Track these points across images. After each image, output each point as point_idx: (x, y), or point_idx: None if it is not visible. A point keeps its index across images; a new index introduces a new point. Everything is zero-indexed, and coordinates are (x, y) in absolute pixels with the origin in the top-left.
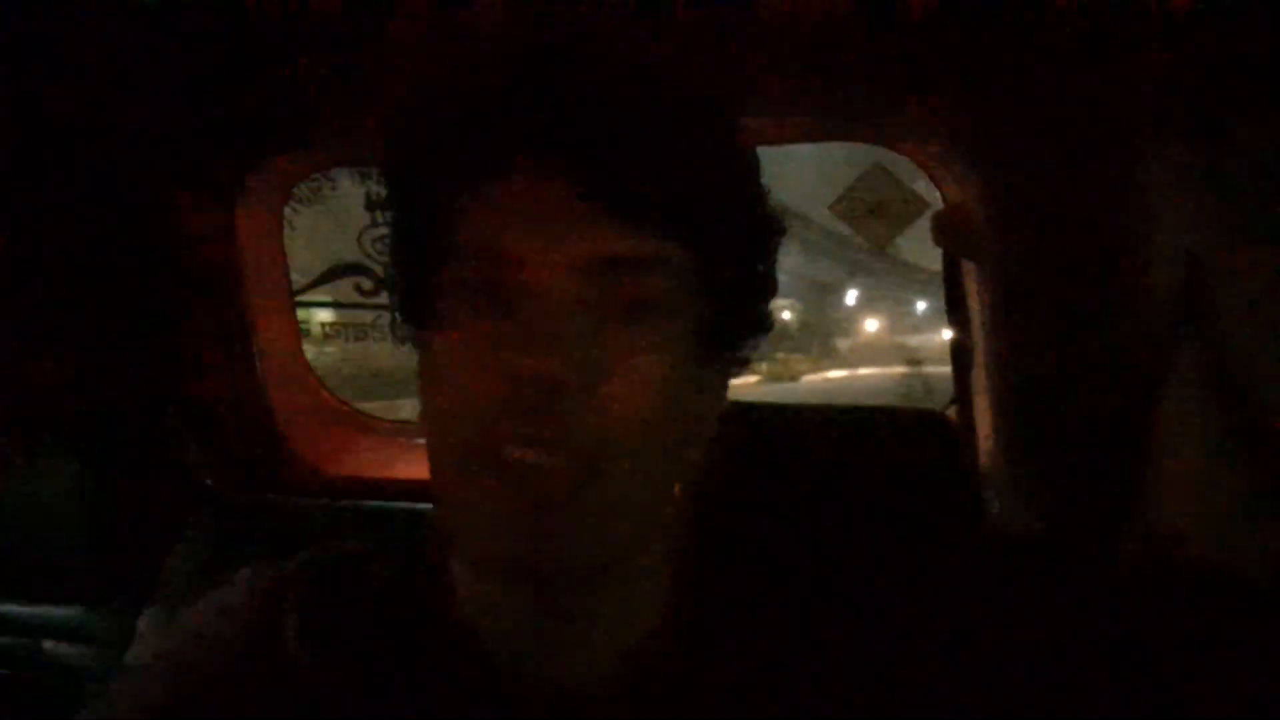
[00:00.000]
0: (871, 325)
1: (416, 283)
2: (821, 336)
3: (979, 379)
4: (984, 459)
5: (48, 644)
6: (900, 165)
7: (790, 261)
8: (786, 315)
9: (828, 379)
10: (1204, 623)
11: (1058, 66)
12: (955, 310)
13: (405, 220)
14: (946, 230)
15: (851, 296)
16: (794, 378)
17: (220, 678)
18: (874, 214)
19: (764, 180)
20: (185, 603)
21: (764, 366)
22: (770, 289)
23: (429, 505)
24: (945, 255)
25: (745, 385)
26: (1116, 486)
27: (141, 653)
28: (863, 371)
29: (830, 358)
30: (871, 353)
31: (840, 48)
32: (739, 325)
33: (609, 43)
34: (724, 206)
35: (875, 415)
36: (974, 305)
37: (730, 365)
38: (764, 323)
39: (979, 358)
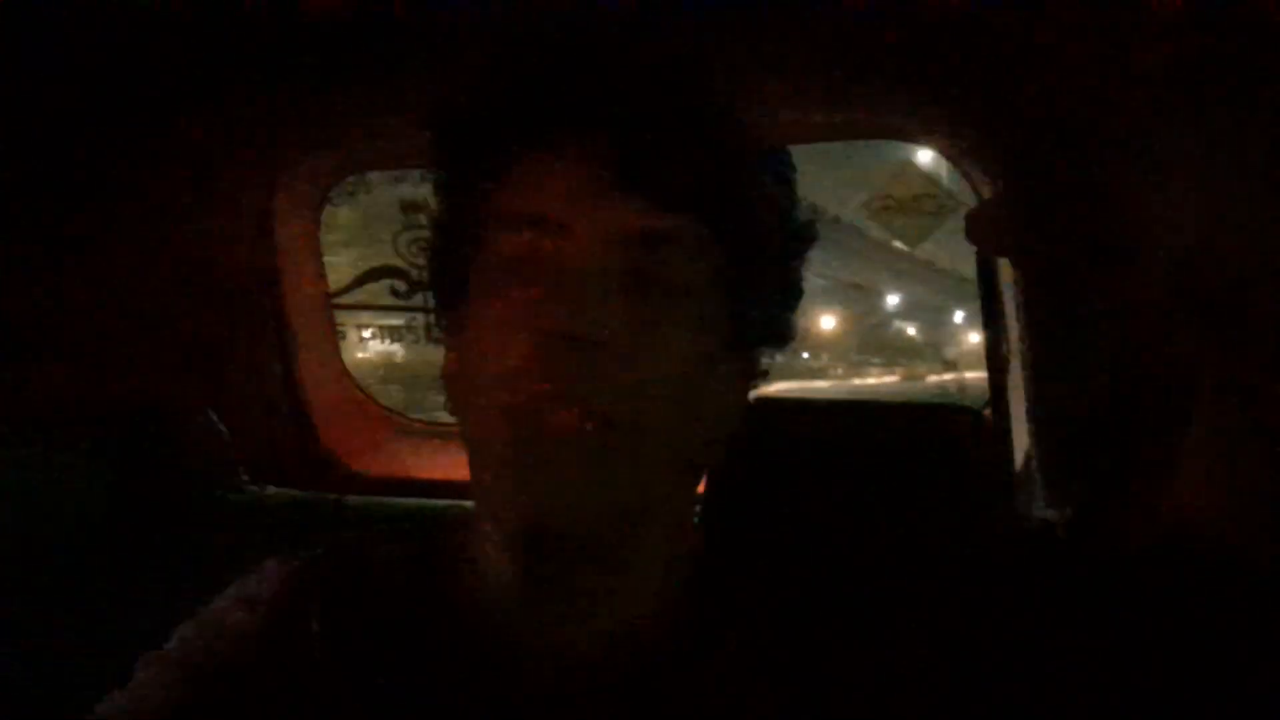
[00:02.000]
0: (974, 338)
1: (459, 257)
2: (934, 347)
3: (1014, 376)
4: (1018, 455)
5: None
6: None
7: (913, 291)
8: (911, 331)
9: (943, 379)
10: (1231, 619)
11: (1090, 57)
12: (989, 308)
13: (454, 193)
14: (980, 228)
15: (959, 316)
16: (919, 378)
17: (243, 667)
18: (905, 212)
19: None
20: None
21: (898, 370)
22: (794, 297)
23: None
24: (979, 253)
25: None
26: (1149, 483)
27: (164, 645)
28: (968, 375)
29: (942, 364)
30: (974, 359)
31: (867, 42)
32: (761, 325)
33: (648, 32)
34: (753, 196)
35: (908, 410)
36: (1008, 303)
37: (752, 369)
38: (786, 331)
39: (1013, 355)
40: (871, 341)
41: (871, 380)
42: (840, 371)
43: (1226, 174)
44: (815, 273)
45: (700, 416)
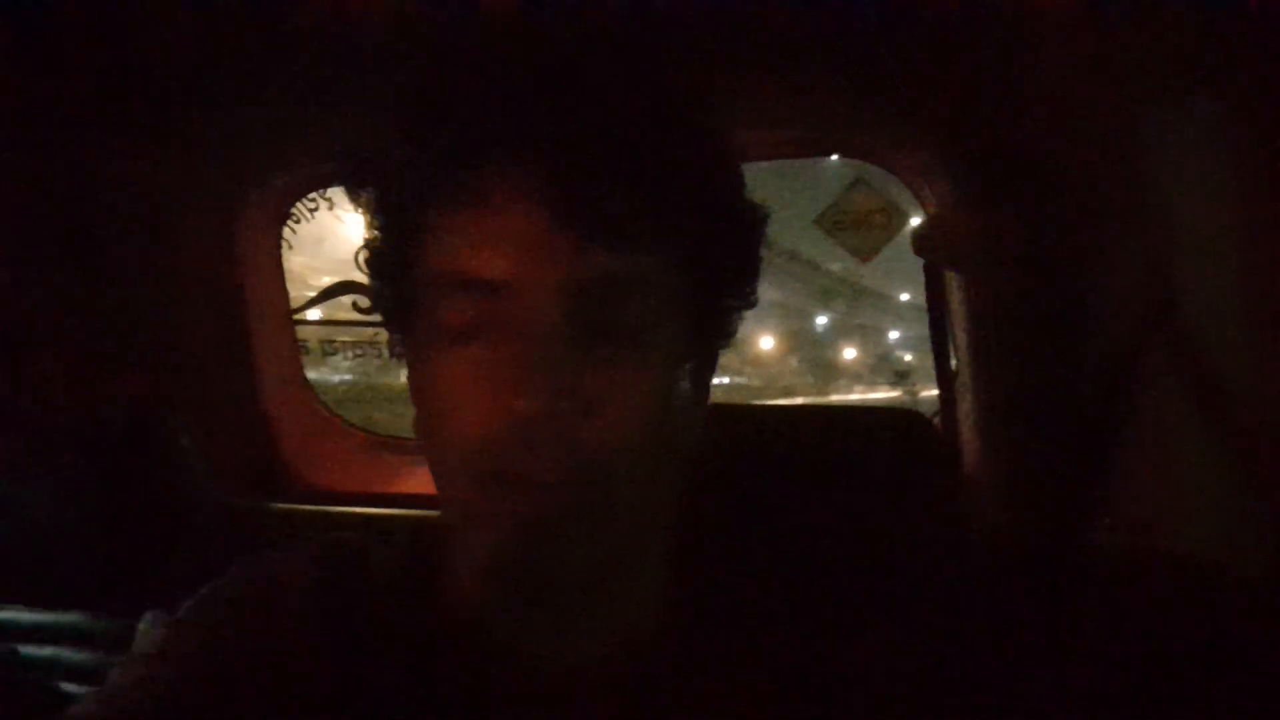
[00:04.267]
0: (909, 357)
1: (404, 313)
2: (870, 366)
3: (961, 384)
4: (966, 461)
5: (49, 649)
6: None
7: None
8: (908, 358)
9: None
10: (1178, 617)
11: (1035, 78)
12: (937, 319)
13: (388, 250)
14: (927, 241)
15: (894, 335)
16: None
17: (228, 665)
18: (856, 227)
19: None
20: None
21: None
22: (750, 301)
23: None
24: (927, 265)
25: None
26: (1091, 477)
27: (143, 650)
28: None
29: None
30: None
31: (818, 62)
32: (718, 330)
33: (583, 65)
34: (704, 221)
35: (856, 414)
36: (955, 313)
37: (708, 373)
38: (734, 329)
39: (960, 364)
40: (808, 361)
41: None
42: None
43: (1176, 189)
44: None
45: (670, 440)
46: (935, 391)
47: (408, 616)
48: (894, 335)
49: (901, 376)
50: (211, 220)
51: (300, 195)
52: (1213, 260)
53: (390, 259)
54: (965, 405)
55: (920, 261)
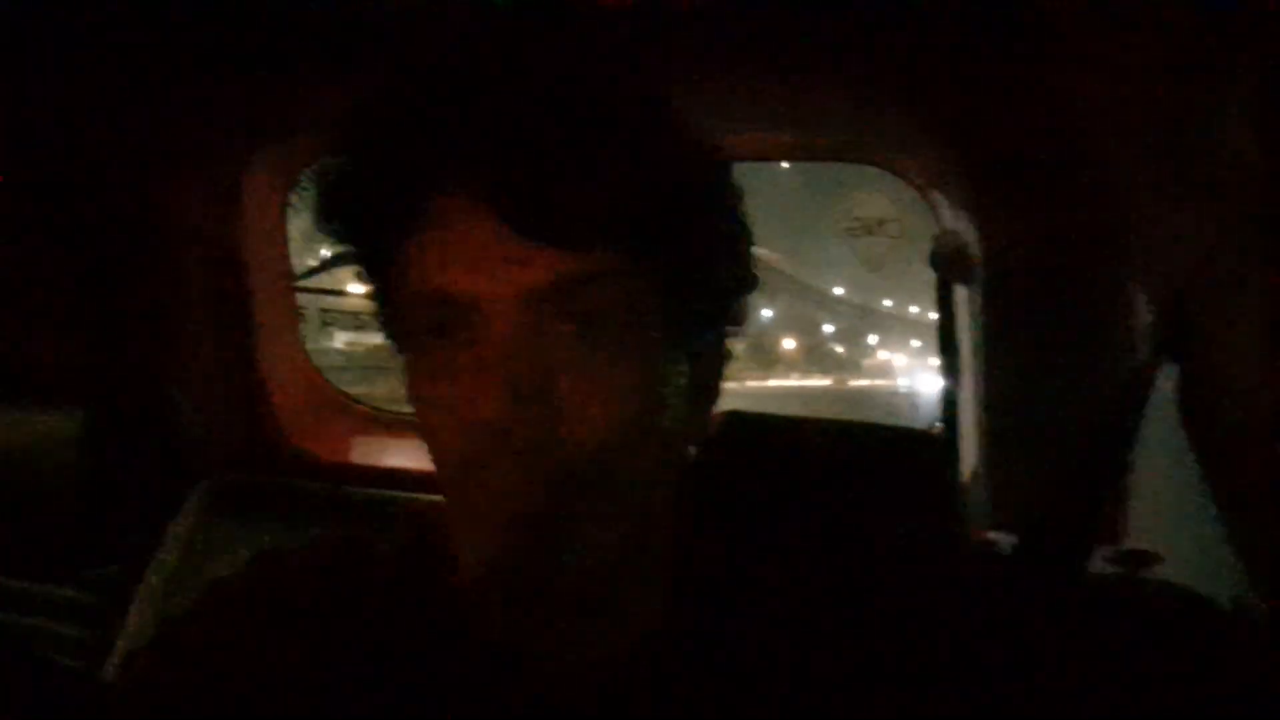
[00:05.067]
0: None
1: (384, 318)
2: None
3: (965, 396)
4: (968, 475)
5: (40, 620)
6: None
7: (787, 304)
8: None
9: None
10: (1171, 643)
11: (1050, 79)
12: (946, 333)
13: (358, 262)
14: (940, 254)
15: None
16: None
17: (223, 670)
18: (869, 234)
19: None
20: (181, 580)
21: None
22: (745, 283)
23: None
24: (939, 279)
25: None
26: (1091, 505)
27: (138, 628)
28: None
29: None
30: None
31: (821, 62)
32: (710, 319)
33: (527, 63)
34: (667, 212)
35: (868, 430)
36: (964, 328)
37: (714, 358)
38: (738, 315)
39: (966, 376)
40: (751, 349)
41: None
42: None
43: (1188, 206)
44: None
45: (660, 440)
46: (864, 382)
47: (412, 616)
48: (828, 329)
49: (835, 367)
50: (216, 185)
51: (309, 162)
52: (1231, 289)
53: (370, 278)
54: (968, 420)
55: (853, 258)
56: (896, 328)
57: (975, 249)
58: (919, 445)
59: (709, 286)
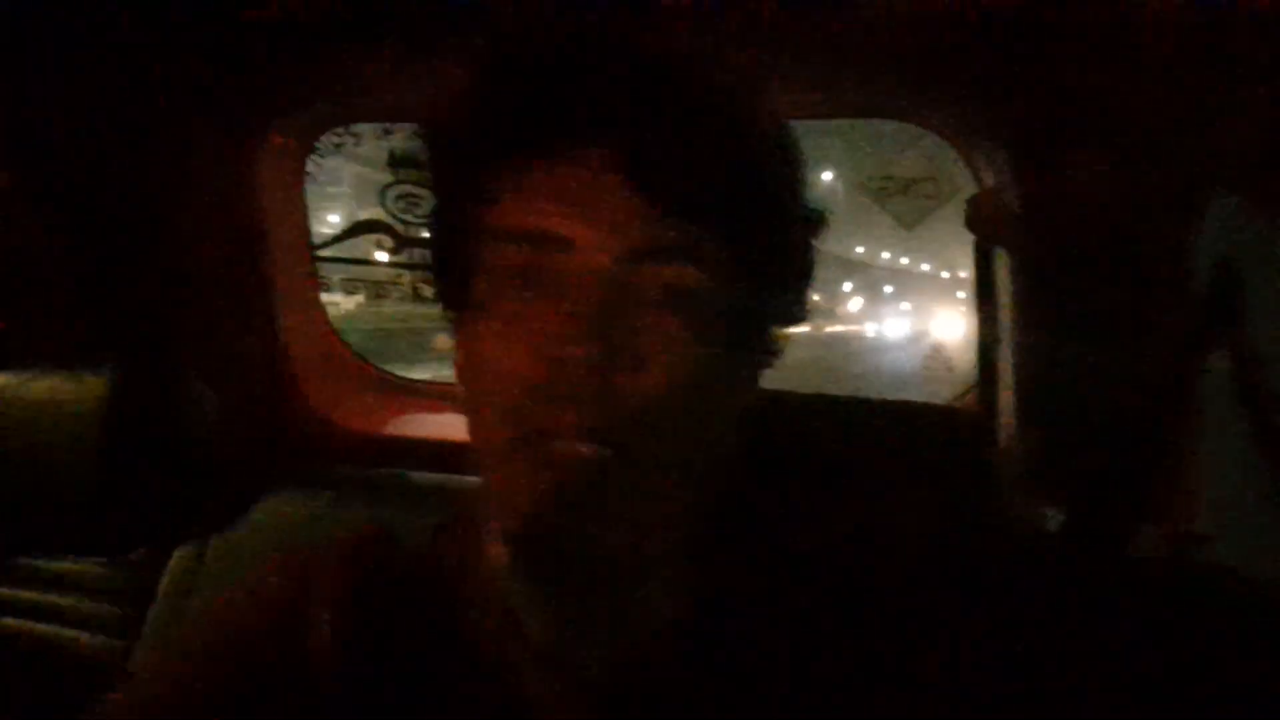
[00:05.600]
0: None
1: (457, 266)
2: None
3: (1004, 369)
4: (1005, 447)
5: (65, 598)
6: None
7: None
8: (815, 297)
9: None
10: (1221, 625)
11: (1095, 49)
12: (984, 299)
13: (447, 202)
14: (979, 216)
15: None
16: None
17: (248, 668)
18: (904, 194)
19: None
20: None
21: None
22: (806, 278)
23: (450, 473)
24: (976, 242)
25: None
26: (1139, 484)
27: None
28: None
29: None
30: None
31: (870, 17)
32: (773, 314)
33: (653, 31)
34: (763, 199)
35: (902, 409)
36: (1003, 294)
37: (763, 353)
38: (799, 312)
39: (1005, 348)
40: None
41: None
42: None
43: (1231, 169)
44: None
45: (714, 418)
46: (839, 328)
47: (437, 611)
48: None
49: (814, 315)
50: (232, 154)
51: (326, 129)
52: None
53: (448, 210)
54: (1006, 390)
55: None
56: (869, 274)
57: (1015, 210)
58: (954, 424)
59: (783, 274)
